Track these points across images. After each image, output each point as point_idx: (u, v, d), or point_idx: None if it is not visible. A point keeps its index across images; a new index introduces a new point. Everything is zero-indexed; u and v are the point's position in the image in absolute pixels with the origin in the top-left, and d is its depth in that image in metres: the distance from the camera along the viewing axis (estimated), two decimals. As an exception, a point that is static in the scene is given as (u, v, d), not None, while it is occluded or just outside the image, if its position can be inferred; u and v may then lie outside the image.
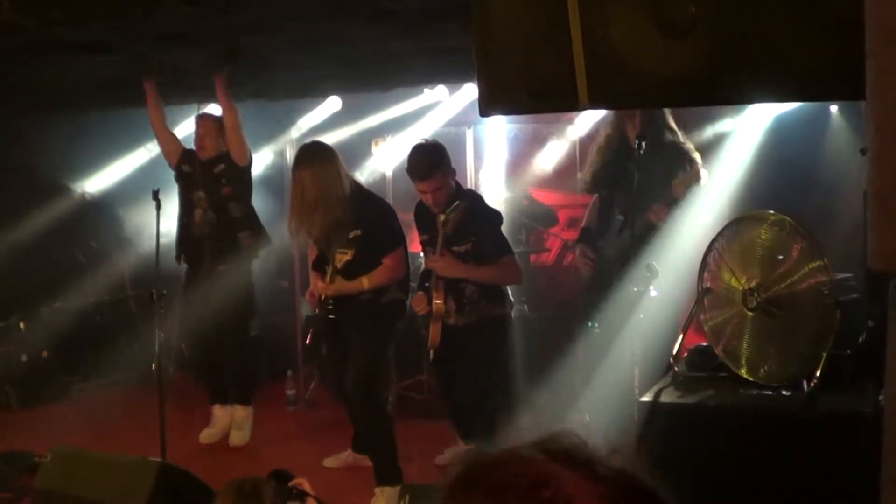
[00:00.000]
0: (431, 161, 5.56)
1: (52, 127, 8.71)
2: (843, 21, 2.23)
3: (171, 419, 5.82)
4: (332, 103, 8.55)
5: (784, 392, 3.48)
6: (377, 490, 5.60)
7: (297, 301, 8.14)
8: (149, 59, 6.13)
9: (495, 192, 8.24)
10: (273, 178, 8.70)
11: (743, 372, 3.61)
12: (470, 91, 7.79)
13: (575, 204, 8.52)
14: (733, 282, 3.62)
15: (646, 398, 3.64)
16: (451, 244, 5.61)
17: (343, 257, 5.66)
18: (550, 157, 8.61)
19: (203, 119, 6.88)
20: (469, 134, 8.33)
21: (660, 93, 2.68)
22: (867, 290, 3.69)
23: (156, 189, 6.03)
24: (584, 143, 8.28)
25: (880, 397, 2.96)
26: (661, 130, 5.65)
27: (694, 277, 3.84)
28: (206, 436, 6.87)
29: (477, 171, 8.44)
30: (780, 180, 6.91)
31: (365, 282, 5.63)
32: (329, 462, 6.35)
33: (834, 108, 7.32)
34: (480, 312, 5.68)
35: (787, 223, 3.50)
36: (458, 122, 8.38)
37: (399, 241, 5.79)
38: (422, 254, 6.06)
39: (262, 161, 8.85)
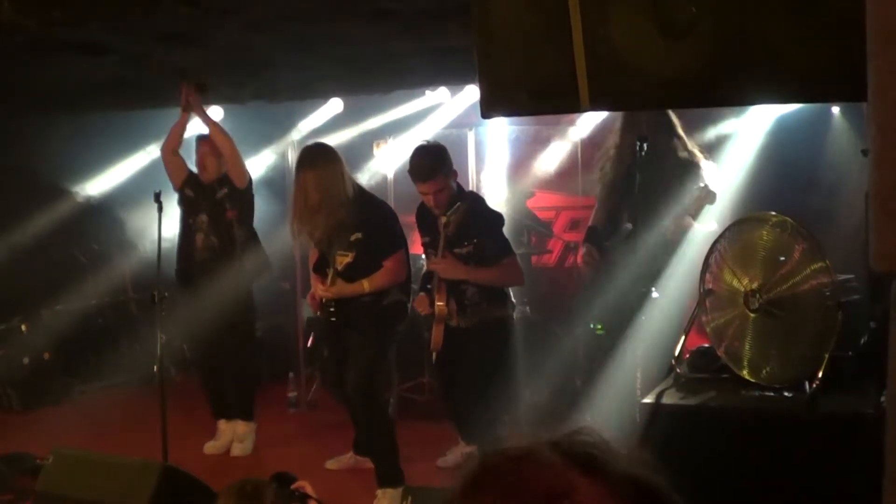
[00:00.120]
0: (433, 162, 5.56)
1: (53, 127, 8.71)
2: (844, 21, 2.23)
3: (173, 421, 5.81)
4: (334, 105, 8.54)
5: (786, 393, 3.48)
6: (379, 492, 5.60)
7: (298, 303, 8.14)
8: (142, 59, 6.11)
9: (497, 193, 8.24)
10: (274, 181, 8.70)
11: (745, 373, 3.61)
12: (471, 93, 7.78)
13: (576, 206, 8.53)
14: (735, 283, 3.62)
15: (648, 399, 3.63)
16: (453, 246, 5.61)
17: (344, 260, 5.65)
18: (552, 158, 8.60)
19: (204, 140, 6.85)
20: (471, 136, 8.33)
21: (660, 93, 2.68)
22: (869, 291, 3.68)
23: (157, 191, 6.03)
24: (586, 144, 8.28)
25: (882, 399, 2.95)
26: (674, 144, 5.62)
27: (695, 279, 3.83)
28: (212, 448, 6.88)
29: (478, 172, 8.44)
30: (781, 181, 6.91)
31: (366, 284, 5.62)
32: (331, 464, 6.35)
33: (835, 109, 7.31)
34: (482, 314, 5.68)
35: (788, 224, 3.49)
36: (460, 123, 8.38)
37: (400, 243, 5.79)
38: (423, 256, 6.05)
39: (263, 163, 8.86)
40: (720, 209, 5.86)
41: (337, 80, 7.39)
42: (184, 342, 7.63)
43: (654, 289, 5.38)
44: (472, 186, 8.01)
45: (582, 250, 6.10)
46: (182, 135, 6.95)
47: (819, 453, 3.25)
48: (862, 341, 3.64)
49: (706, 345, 3.89)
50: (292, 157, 7.77)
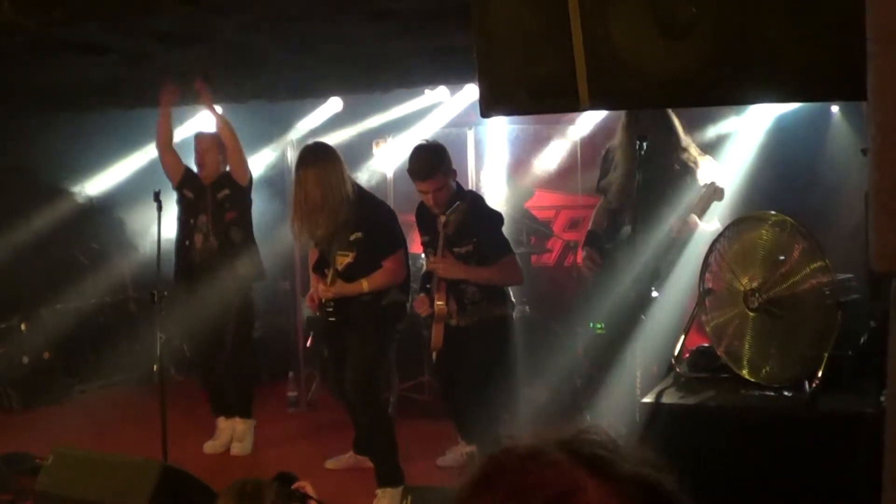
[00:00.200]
0: (432, 161, 5.56)
1: (53, 127, 8.71)
2: (843, 21, 2.23)
3: (173, 420, 5.82)
4: (333, 104, 8.55)
5: (786, 393, 3.48)
6: (379, 491, 5.60)
7: (298, 302, 8.14)
8: (142, 59, 6.11)
9: (496, 193, 8.24)
10: (274, 180, 8.70)
11: (744, 373, 3.61)
12: (471, 92, 7.78)
13: (576, 205, 8.53)
14: (735, 282, 3.62)
15: (647, 399, 3.63)
16: (453, 245, 5.61)
17: (344, 260, 5.65)
18: (552, 157, 8.60)
19: (202, 137, 6.84)
20: (470, 135, 8.34)
21: (660, 93, 2.68)
22: (868, 290, 3.69)
23: (157, 190, 6.03)
24: (586, 143, 8.28)
25: (882, 398, 2.95)
26: (673, 142, 5.61)
27: (695, 278, 3.83)
28: (211, 447, 6.87)
29: (478, 171, 8.44)
30: (781, 181, 6.91)
31: (365, 284, 5.62)
32: (330, 464, 6.35)
33: (835, 109, 7.31)
34: (482, 313, 5.67)
35: (788, 224, 3.50)
36: (460, 122, 8.38)
37: (399, 243, 5.79)
38: (423, 255, 6.05)
39: (262, 162, 8.85)
40: (720, 208, 5.86)
41: (336, 79, 7.39)
42: (183, 342, 7.62)
43: (654, 289, 5.38)
44: (471, 185, 8.01)
45: (582, 254, 6.11)
46: (169, 127, 6.92)
47: (819, 452, 3.25)
48: (861, 341, 3.64)
49: (706, 344, 3.89)
50: (291, 156, 7.77)
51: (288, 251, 8.16)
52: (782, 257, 3.51)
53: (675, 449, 3.24)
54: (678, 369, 3.80)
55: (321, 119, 8.67)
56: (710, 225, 5.59)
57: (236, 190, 6.72)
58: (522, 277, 5.97)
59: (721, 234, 3.74)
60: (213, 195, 6.71)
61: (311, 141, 6.24)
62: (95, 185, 9.45)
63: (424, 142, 5.82)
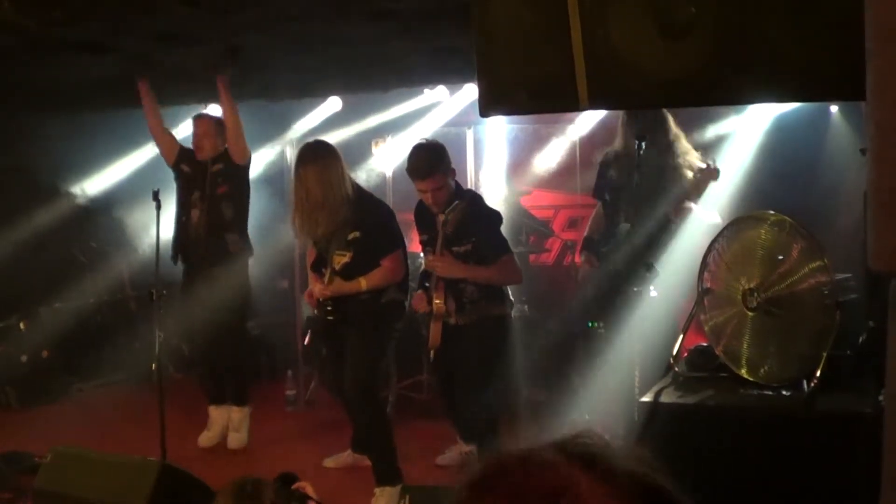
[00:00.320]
0: (431, 160, 5.56)
1: (52, 127, 8.71)
2: (843, 21, 2.23)
3: (171, 419, 5.82)
4: (333, 104, 8.55)
5: (784, 392, 3.48)
6: (377, 490, 5.60)
7: (297, 301, 8.13)
8: (142, 59, 6.11)
9: (495, 192, 8.25)
10: (273, 179, 8.70)
11: (743, 372, 3.61)
12: (470, 91, 7.79)
13: (574, 204, 8.53)
14: (733, 282, 3.62)
15: (646, 398, 3.64)
16: (451, 244, 5.61)
17: (341, 259, 5.65)
18: (551, 157, 8.61)
19: (201, 119, 6.85)
20: (469, 134, 8.34)
21: (660, 93, 2.68)
22: (867, 290, 3.69)
23: (156, 189, 6.02)
24: (585, 142, 8.29)
25: (880, 397, 2.95)
26: (668, 141, 5.64)
27: (694, 277, 3.84)
28: (205, 439, 6.86)
29: (477, 171, 8.45)
30: (780, 180, 6.91)
31: (363, 283, 5.62)
32: (329, 462, 6.35)
33: (834, 109, 7.32)
34: (481, 312, 5.67)
35: (787, 223, 3.50)
36: (459, 122, 8.39)
37: (398, 242, 5.79)
38: (422, 254, 6.06)
39: (262, 161, 8.85)
40: (720, 207, 5.88)
41: (336, 79, 7.40)
42: (180, 324, 7.55)
43: (652, 286, 5.39)
44: (470, 185, 8.01)
45: (580, 258, 6.14)
46: (155, 109, 6.88)
47: (817, 452, 3.25)
48: (860, 340, 3.65)
49: (704, 343, 3.89)
50: (291, 155, 7.77)
51: (287, 250, 8.16)
52: (781, 257, 3.51)
53: (673, 448, 3.26)
54: (677, 369, 3.81)
55: (320, 118, 8.68)
56: (709, 215, 5.62)
57: (231, 166, 6.72)
58: (521, 277, 5.97)
59: (720, 234, 3.74)
60: (206, 170, 6.73)
61: (310, 139, 6.24)
62: (95, 185, 9.45)
63: (423, 141, 5.82)
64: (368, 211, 5.75)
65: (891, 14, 1.80)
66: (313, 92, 8.07)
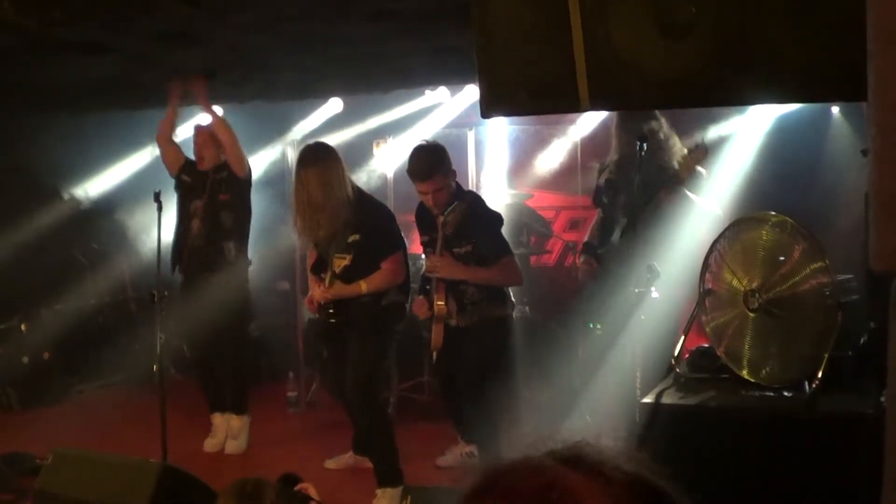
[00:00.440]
0: (432, 162, 5.55)
1: (52, 127, 8.72)
2: (843, 21, 2.23)
3: (172, 420, 5.81)
4: (334, 105, 8.55)
5: (786, 393, 3.48)
6: (378, 491, 5.60)
7: (298, 303, 8.13)
8: (142, 59, 6.10)
9: (497, 193, 8.24)
10: (274, 181, 8.70)
11: (744, 373, 3.61)
12: (471, 93, 7.79)
13: (576, 206, 8.53)
14: (735, 283, 3.62)
15: (647, 399, 3.63)
16: (452, 245, 5.60)
17: (341, 263, 5.65)
18: (552, 158, 8.61)
19: (200, 130, 6.85)
20: (470, 135, 8.34)
21: (660, 93, 2.68)
22: (868, 291, 3.68)
23: (157, 191, 6.02)
24: (586, 143, 8.29)
25: (882, 398, 2.95)
26: (660, 137, 5.66)
27: (695, 279, 3.83)
28: (209, 445, 6.88)
29: (478, 172, 8.44)
30: (781, 181, 6.91)
31: (364, 286, 5.61)
32: (330, 464, 6.35)
33: (835, 109, 7.32)
34: (482, 313, 5.67)
35: (788, 224, 3.50)
36: (460, 123, 8.39)
37: (398, 244, 5.78)
38: (423, 255, 6.05)
39: (263, 162, 8.86)
40: (720, 207, 5.88)
41: (336, 79, 7.39)
42: (181, 337, 7.59)
43: (653, 287, 5.38)
44: (471, 186, 8.01)
45: (580, 259, 6.15)
46: (173, 123, 6.95)
47: (819, 453, 3.25)
48: (861, 341, 3.64)
49: (706, 345, 3.89)
50: (292, 157, 7.77)
51: (288, 252, 8.16)
52: (782, 258, 3.51)
53: (675, 449, 3.27)
54: (678, 370, 3.80)
55: (321, 119, 8.68)
56: (707, 203, 5.62)
57: (232, 177, 6.72)
58: (521, 278, 5.96)
59: (721, 235, 3.74)
60: (208, 179, 6.71)
61: (311, 141, 6.24)
62: (95, 186, 9.46)
63: (424, 142, 5.81)
64: (368, 213, 5.74)
65: (891, 14, 1.79)
66: (314, 92, 8.06)
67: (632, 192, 5.52)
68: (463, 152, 8.13)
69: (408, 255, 5.98)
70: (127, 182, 9.35)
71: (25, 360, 8.27)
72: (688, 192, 5.60)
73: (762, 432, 3.38)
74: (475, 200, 5.89)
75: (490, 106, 2.88)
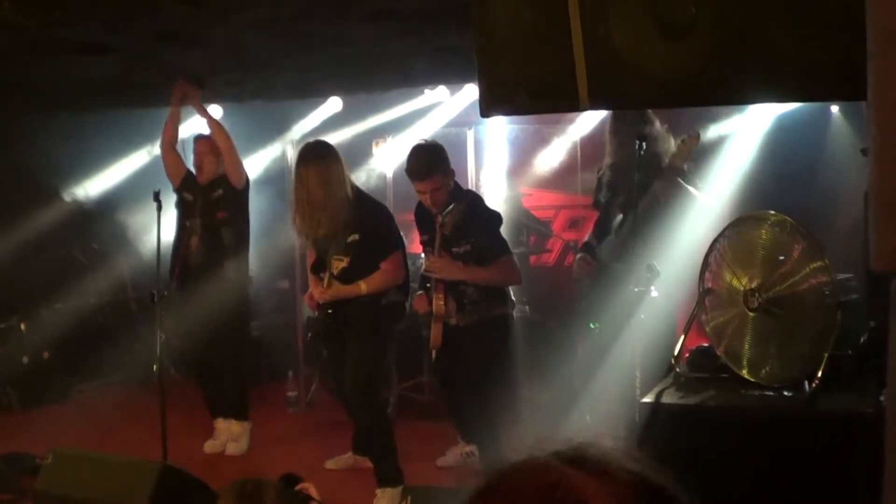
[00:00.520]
0: (430, 161, 5.55)
1: (52, 127, 8.72)
2: (843, 21, 2.23)
3: (172, 420, 5.81)
4: (333, 104, 8.55)
5: (785, 393, 3.48)
6: (378, 491, 5.60)
7: (297, 302, 8.13)
8: (142, 59, 6.11)
9: (496, 192, 8.24)
10: (274, 180, 8.70)
11: (744, 373, 3.61)
12: (471, 92, 7.78)
13: (575, 204, 8.54)
14: (734, 282, 3.62)
15: (647, 399, 3.63)
16: (450, 245, 5.60)
17: (339, 264, 5.64)
18: (551, 157, 8.61)
19: (200, 140, 6.84)
20: (470, 135, 8.34)
21: (660, 93, 2.68)
22: (868, 290, 3.68)
23: (157, 190, 6.02)
24: (586, 142, 8.29)
25: (882, 397, 2.95)
26: (654, 136, 5.66)
27: (695, 278, 3.83)
28: (210, 447, 6.88)
29: (478, 171, 8.44)
30: (781, 181, 6.91)
31: (363, 286, 5.61)
32: (330, 464, 6.35)
33: (835, 109, 7.32)
34: (481, 313, 5.67)
35: (788, 223, 3.50)
36: (459, 122, 8.39)
37: (397, 244, 5.78)
38: (423, 254, 6.05)
39: (262, 162, 8.86)
40: (721, 208, 5.88)
41: (336, 79, 7.39)
42: (181, 344, 7.60)
43: (653, 286, 5.39)
44: (471, 185, 8.01)
45: (576, 257, 6.15)
46: (177, 127, 6.94)
47: (819, 452, 3.25)
48: (861, 340, 3.64)
49: (706, 344, 3.89)
50: (291, 156, 7.77)
51: (288, 251, 8.16)
52: (782, 257, 3.50)
53: (674, 449, 3.26)
54: (678, 369, 3.80)
55: (321, 119, 8.68)
56: (705, 196, 5.63)
57: (230, 191, 6.70)
58: (521, 278, 5.96)
59: (721, 234, 3.73)
60: (207, 196, 6.71)
61: (311, 139, 6.23)
62: (95, 186, 9.46)
63: (423, 141, 5.81)
64: (367, 213, 5.74)
65: (891, 14, 1.79)
66: (313, 92, 8.06)
67: (629, 193, 5.53)
68: (462, 151, 8.14)
69: (407, 254, 5.98)
70: (127, 182, 9.35)
71: (25, 359, 8.27)
72: (684, 183, 5.59)
73: (762, 432, 3.38)
74: (474, 200, 5.89)
75: (490, 105, 2.88)
